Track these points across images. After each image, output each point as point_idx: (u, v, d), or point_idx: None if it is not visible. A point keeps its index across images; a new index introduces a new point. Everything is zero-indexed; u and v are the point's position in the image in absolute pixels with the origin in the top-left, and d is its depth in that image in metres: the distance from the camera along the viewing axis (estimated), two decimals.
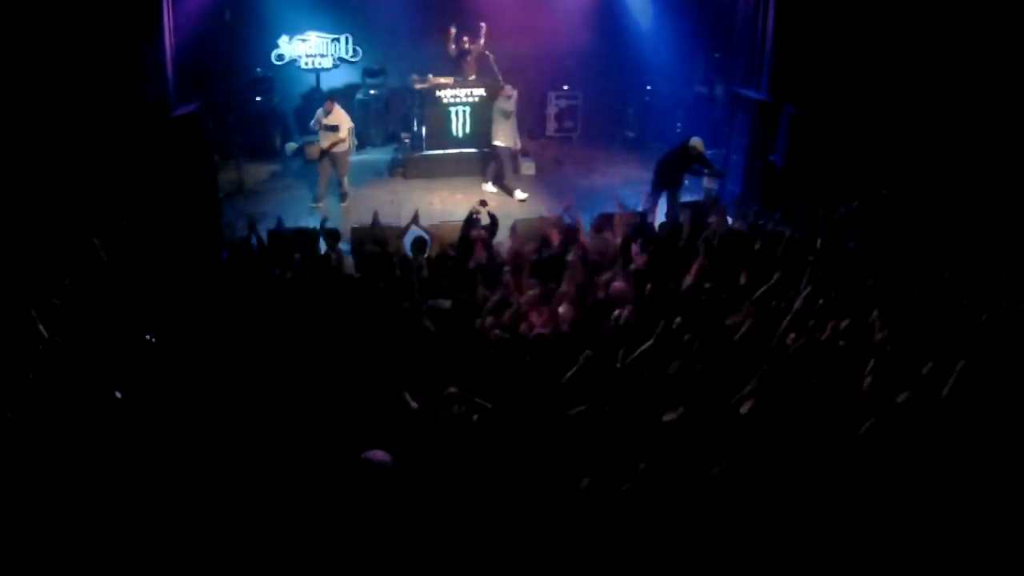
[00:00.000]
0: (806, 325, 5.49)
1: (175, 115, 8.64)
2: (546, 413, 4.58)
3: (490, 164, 11.78)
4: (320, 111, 11.05)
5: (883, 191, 8.25)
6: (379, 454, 3.98)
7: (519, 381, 4.96)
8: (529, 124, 14.18)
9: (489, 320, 5.86)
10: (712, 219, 7.97)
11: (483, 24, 11.93)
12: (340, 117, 10.97)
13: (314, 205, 10.95)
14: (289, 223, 8.89)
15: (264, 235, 7.93)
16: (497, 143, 11.54)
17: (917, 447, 4.42)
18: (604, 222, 8.16)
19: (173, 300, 6.29)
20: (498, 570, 3.68)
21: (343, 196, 11.18)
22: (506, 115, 11.43)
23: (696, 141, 9.71)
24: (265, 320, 5.97)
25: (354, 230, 8.73)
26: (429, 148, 12.24)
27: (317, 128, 11.02)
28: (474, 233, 8.01)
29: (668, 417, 4.52)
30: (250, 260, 7.31)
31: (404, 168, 12.28)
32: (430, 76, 12.12)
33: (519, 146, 11.88)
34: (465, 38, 12.00)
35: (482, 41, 11.98)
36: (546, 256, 7.31)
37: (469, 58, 12.10)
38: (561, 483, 4.04)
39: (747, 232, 7.81)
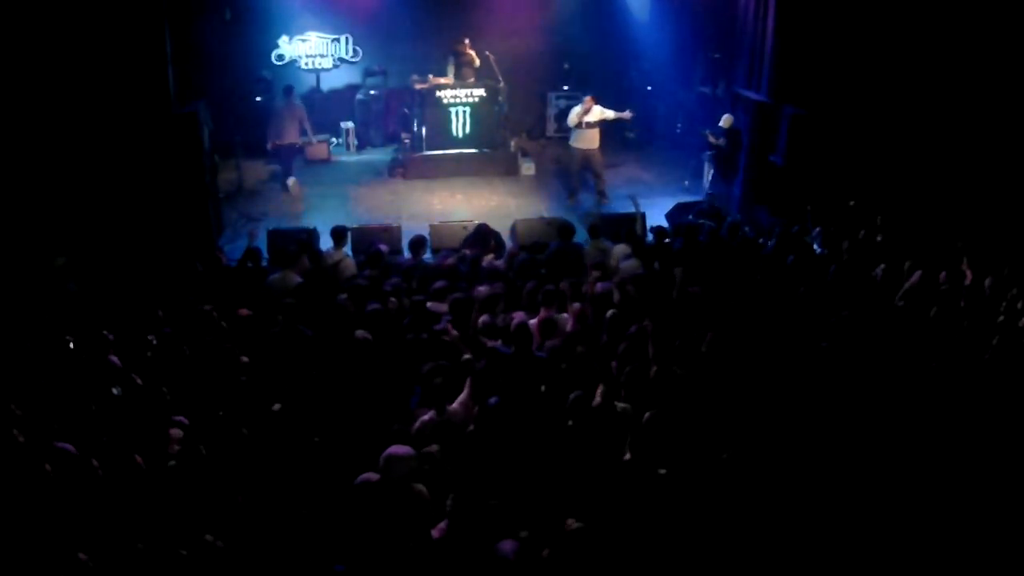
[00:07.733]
0: None
1: (175, 115, 8.63)
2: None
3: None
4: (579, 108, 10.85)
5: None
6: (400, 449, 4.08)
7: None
8: (529, 124, 14.19)
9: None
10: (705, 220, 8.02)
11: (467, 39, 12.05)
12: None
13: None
14: (287, 224, 8.88)
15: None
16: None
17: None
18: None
19: (171, 300, 6.30)
20: None
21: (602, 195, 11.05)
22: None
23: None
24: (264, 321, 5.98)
25: (354, 231, 8.72)
26: (429, 148, 12.23)
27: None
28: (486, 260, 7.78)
29: None
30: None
31: (404, 168, 12.28)
32: (430, 76, 12.11)
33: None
34: (467, 41, 12.05)
35: (469, 48, 12.01)
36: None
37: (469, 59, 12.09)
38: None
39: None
